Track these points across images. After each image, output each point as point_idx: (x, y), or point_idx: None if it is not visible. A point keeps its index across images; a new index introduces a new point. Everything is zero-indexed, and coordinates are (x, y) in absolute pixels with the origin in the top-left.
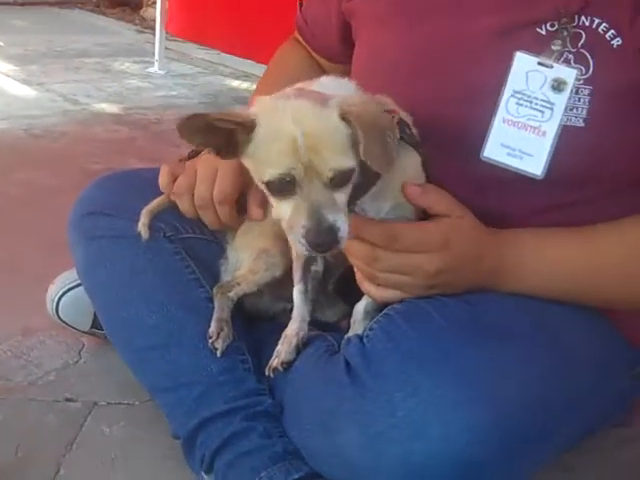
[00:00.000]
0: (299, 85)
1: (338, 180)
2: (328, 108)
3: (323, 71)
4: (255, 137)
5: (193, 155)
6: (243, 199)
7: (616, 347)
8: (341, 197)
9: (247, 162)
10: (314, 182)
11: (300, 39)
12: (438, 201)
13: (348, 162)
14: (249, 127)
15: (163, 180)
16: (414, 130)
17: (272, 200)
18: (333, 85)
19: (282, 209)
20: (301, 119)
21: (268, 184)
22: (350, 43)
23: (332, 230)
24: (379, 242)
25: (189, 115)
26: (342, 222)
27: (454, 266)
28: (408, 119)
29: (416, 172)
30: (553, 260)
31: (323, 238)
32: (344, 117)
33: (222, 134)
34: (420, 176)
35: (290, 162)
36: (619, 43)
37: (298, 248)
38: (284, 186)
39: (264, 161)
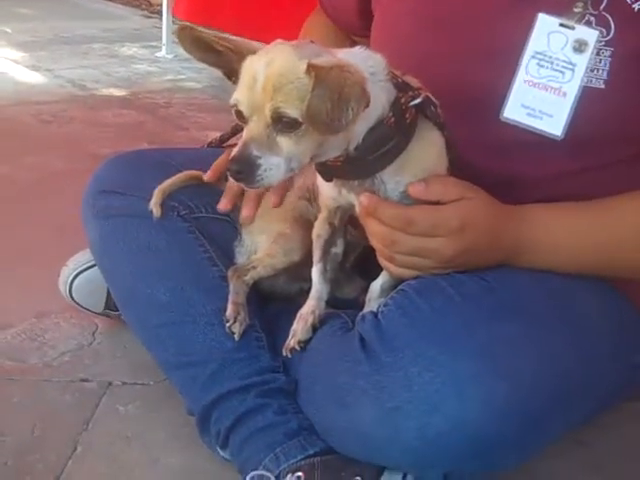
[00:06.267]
0: (332, 49)
1: (280, 125)
2: (301, 60)
3: (348, 42)
4: (242, 66)
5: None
6: None
7: (630, 321)
8: (285, 143)
9: None
10: (258, 119)
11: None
12: (445, 191)
13: (291, 111)
14: (239, 55)
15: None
16: (440, 112)
17: None
18: (362, 56)
19: None
20: (273, 62)
21: (232, 108)
22: (369, 17)
23: (249, 162)
24: (394, 225)
25: (182, 25)
26: (270, 163)
27: (471, 247)
28: (436, 101)
29: (439, 151)
30: (568, 234)
31: (239, 167)
32: (308, 71)
33: (223, 58)
34: (442, 156)
35: (243, 95)
36: None
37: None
38: (239, 115)
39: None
